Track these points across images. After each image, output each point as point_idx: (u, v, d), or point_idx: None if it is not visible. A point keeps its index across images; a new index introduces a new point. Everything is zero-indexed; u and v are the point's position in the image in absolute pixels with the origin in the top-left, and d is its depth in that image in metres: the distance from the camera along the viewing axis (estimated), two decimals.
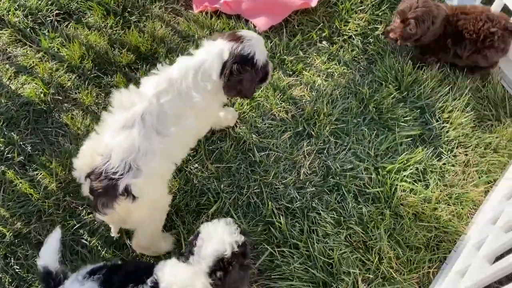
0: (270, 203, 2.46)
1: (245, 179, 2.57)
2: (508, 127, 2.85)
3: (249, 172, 2.60)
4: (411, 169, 2.64)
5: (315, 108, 2.82)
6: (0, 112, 2.68)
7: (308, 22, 3.29)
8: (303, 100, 2.89)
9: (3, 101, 2.74)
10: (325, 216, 2.45)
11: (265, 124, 2.78)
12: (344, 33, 3.26)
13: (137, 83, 2.75)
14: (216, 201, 2.49)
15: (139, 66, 2.95)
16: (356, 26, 3.27)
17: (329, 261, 2.33)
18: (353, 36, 3.24)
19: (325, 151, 2.70)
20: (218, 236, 1.74)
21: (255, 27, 3.22)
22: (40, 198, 2.41)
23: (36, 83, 2.80)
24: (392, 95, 2.90)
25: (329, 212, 2.49)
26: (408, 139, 2.77)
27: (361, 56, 3.16)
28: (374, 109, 2.85)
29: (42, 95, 2.77)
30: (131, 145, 1.89)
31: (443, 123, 2.84)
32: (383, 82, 2.97)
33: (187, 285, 1.71)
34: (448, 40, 2.89)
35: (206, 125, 2.35)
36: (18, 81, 2.84)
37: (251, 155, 2.65)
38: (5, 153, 2.55)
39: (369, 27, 3.30)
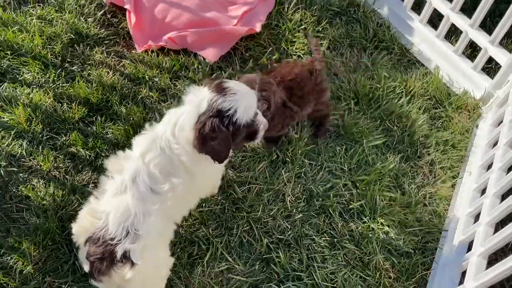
0: (263, 238, 2.43)
1: (231, 218, 2.52)
2: (458, 122, 3.08)
3: (234, 210, 2.55)
4: (386, 178, 2.75)
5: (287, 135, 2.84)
6: None
7: (255, 46, 3.32)
8: None
9: None
10: (319, 241, 2.48)
11: (238, 158, 2.74)
12: (292, 53, 3.32)
13: (96, 138, 2.64)
14: (208, 248, 2.41)
15: (94, 119, 2.78)
16: (302, 45, 3.35)
17: (333, 285, 2.35)
18: (301, 55, 3.31)
19: (303, 174, 2.72)
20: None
21: (204, 59, 3.17)
22: (18, 286, 2.17)
23: None
24: (351, 109, 3.01)
25: (321, 235, 2.51)
26: (375, 148, 2.88)
27: None
28: (339, 125, 2.93)
29: None
30: (126, 209, 1.80)
31: (402, 128, 3.00)
32: (342, 98, 3.07)
33: None
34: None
35: (208, 182, 2.24)
36: None
37: (232, 192, 2.60)
38: None
39: None
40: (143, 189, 1.85)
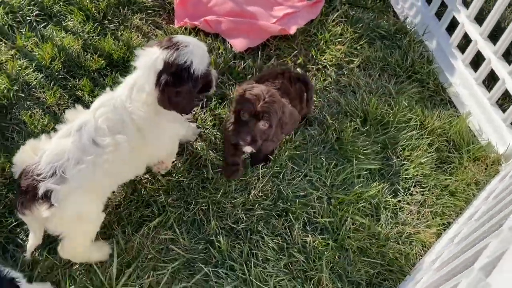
0: (213, 221, 2.41)
1: (194, 195, 2.53)
2: (469, 172, 2.82)
3: (200, 188, 2.56)
4: (364, 202, 2.59)
5: None
6: None
7: (286, 48, 3.32)
8: None
9: None
10: (269, 241, 2.40)
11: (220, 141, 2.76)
12: (319, 62, 3.28)
13: (103, 89, 2.80)
14: (160, 214, 2.45)
15: (108, 73, 2.96)
16: (332, 57, 3.30)
17: (265, 287, 2.26)
18: (328, 66, 3.26)
19: (280, 176, 2.66)
20: None
21: (231, 47, 3.24)
22: None
23: (1, 79, 2.81)
24: (355, 128, 2.88)
25: (274, 237, 2.43)
26: (366, 172, 2.73)
27: (333, 87, 3.16)
28: (335, 139, 2.83)
29: (5, 90, 2.77)
30: (61, 152, 1.88)
31: (403, 160, 2.82)
32: (348, 115, 2.96)
33: None
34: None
35: (162, 145, 2.23)
36: None
37: (205, 171, 2.61)
38: None
39: (345, 59, 3.32)
40: (85, 139, 1.92)
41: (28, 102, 2.77)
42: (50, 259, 2.22)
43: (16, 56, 2.96)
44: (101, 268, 2.24)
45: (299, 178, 2.66)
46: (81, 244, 2.08)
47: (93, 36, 3.13)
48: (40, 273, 2.21)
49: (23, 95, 2.78)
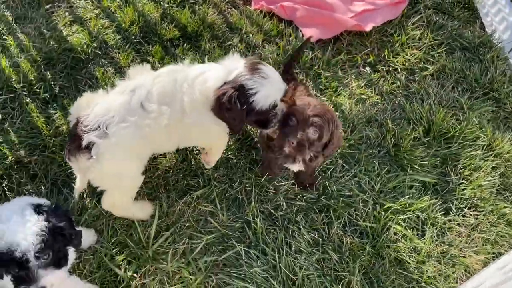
0: (254, 203, 2.43)
1: (240, 174, 2.56)
2: None
3: (247, 169, 2.59)
4: (410, 214, 2.49)
5: None
6: (45, 51, 2.89)
7: (358, 44, 3.23)
8: None
9: (51, 43, 2.95)
10: (304, 233, 2.38)
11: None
12: (391, 64, 3.16)
13: (173, 58, 2.90)
14: (205, 186, 2.50)
15: (180, 44, 3.05)
16: (405, 61, 3.17)
17: (294, 277, 2.25)
18: (399, 70, 3.14)
19: (328, 172, 2.62)
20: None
21: (303, 36, 3.21)
22: (50, 135, 2.56)
23: (83, 35, 2.99)
24: (416, 137, 2.76)
25: (310, 230, 2.41)
26: (420, 184, 2.61)
27: (400, 91, 3.04)
28: (392, 144, 2.73)
29: (85, 46, 2.94)
30: (109, 108, 1.95)
31: (462, 179, 2.66)
32: (411, 122, 2.84)
33: None
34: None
35: (203, 136, 2.20)
36: (70, 29, 3.04)
37: (254, 153, 2.63)
38: (35, 87, 2.73)
39: (419, 65, 3.18)
40: (134, 100, 1.97)
41: (103, 60, 2.93)
42: (97, 208, 2.35)
43: (100, 16, 3.13)
44: (142, 226, 2.35)
45: (347, 178, 2.60)
46: (119, 200, 2.17)
47: (172, 7, 3.23)
48: (86, 219, 2.35)
49: (99, 52, 2.94)
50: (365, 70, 3.12)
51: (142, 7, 3.17)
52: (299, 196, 2.52)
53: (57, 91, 2.76)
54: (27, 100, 2.69)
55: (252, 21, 3.26)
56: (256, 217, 2.40)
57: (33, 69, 2.79)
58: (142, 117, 1.96)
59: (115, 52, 2.96)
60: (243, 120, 1.99)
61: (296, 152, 2.02)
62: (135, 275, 2.22)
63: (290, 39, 3.18)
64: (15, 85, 2.72)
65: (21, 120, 2.61)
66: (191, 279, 2.24)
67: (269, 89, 1.95)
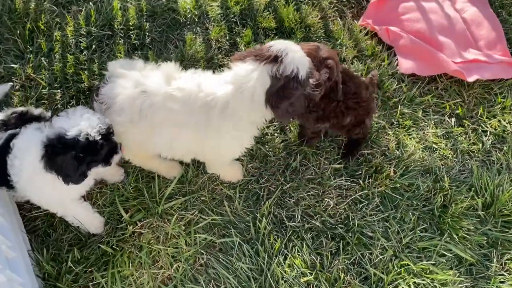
0: (269, 203, 2.40)
1: (271, 173, 2.54)
2: None
3: (279, 170, 2.55)
4: (426, 281, 2.23)
5: (384, 165, 2.58)
6: (152, 5, 3.15)
7: (454, 92, 2.97)
8: (382, 149, 2.66)
9: (163, 1, 3.20)
10: (305, 252, 2.28)
11: (327, 144, 2.66)
12: (482, 123, 2.85)
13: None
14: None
15: (272, 35, 3.10)
16: (500, 126, 2.83)
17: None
18: (488, 133, 2.81)
19: (359, 204, 2.47)
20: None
21: (397, 65, 3.04)
22: None
23: (191, 1, 3.19)
24: (471, 207, 2.46)
25: (313, 252, 2.30)
26: (453, 256, 2.33)
27: (479, 155, 2.73)
28: (441, 204, 2.47)
29: (188, 11, 3.15)
30: (146, 90, 1.98)
31: (504, 271, 2.31)
32: (473, 190, 2.53)
33: None
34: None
35: (219, 147, 2.11)
36: None
37: (291, 158, 2.59)
38: (130, 32, 3.00)
39: None
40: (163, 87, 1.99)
41: (197, 28, 3.11)
42: None
43: None
44: (162, 183, 2.46)
45: (377, 219, 2.43)
46: (137, 155, 2.31)
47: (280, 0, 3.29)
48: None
49: (197, 20, 3.12)
50: (449, 121, 2.86)
51: None
52: (317, 216, 2.41)
53: (147, 42, 3.00)
54: (120, 41, 2.97)
55: (352, 35, 3.17)
56: (266, 218, 2.36)
57: (135, 16, 3.07)
58: (162, 102, 1.98)
59: (211, 24, 3.12)
60: (305, 94, 1.92)
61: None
62: (138, 222, 2.35)
63: (382, 64, 3.04)
64: (116, 26, 3.02)
65: (108, 57, 2.90)
66: (184, 248, 2.30)
67: (299, 57, 1.89)
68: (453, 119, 2.87)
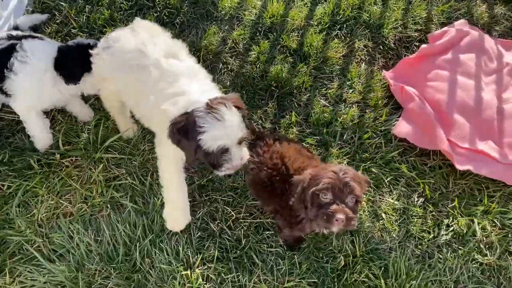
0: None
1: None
2: None
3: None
4: None
5: None
6: None
7: (439, 174, 2.71)
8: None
9: None
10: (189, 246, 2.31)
11: None
12: (450, 216, 2.56)
13: (270, 62, 3.03)
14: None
15: (287, 54, 3.15)
16: (468, 227, 2.53)
17: None
18: (451, 229, 2.51)
19: (261, 230, 2.40)
20: None
21: (393, 125, 2.86)
22: None
23: None
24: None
25: (194, 251, 2.32)
26: None
27: (424, 244, 2.46)
28: (341, 267, 2.28)
29: (226, 8, 3.37)
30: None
31: None
32: (381, 272, 2.29)
33: None
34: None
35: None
36: None
37: None
38: (166, 10, 3.32)
39: (476, 245, 2.48)
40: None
41: (225, 26, 3.29)
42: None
43: None
44: (110, 133, 2.71)
45: (272, 250, 2.34)
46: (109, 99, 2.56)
47: (314, 26, 3.31)
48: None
49: (227, 19, 3.33)
50: (415, 199, 2.60)
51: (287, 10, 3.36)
52: (217, 222, 2.42)
53: (178, 22, 3.27)
54: (154, 14, 3.30)
55: (368, 82, 3.07)
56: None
57: None
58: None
59: (238, 26, 3.29)
60: (193, 155, 1.96)
61: (347, 226, 1.78)
62: (72, 158, 2.62)
63: (380, 119, 2.89)
64: (157, 1, 3.37)
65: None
66: (97, 196, 2.49)
67: (219, 132, 1.87)
68: (421, 199, 2.61)
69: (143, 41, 2.18)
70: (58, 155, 2.58)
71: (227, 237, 2.38)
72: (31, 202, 2.47)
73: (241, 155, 1.98)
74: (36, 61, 2.41)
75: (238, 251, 2.34)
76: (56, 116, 2.79)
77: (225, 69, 3.08)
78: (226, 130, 1.88)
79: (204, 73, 2.18)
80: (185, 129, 1.89)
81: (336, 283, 2.24)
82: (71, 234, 2.37)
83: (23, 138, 2.67)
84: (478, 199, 2.61)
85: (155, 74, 2.06)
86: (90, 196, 2.51)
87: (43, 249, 2.33)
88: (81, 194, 2.51)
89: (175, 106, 1.96)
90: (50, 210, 2.45)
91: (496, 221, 2.52)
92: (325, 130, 2.80)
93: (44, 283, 2.23)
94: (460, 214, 2.55)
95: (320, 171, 1.87)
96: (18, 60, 2.40)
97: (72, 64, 2.42)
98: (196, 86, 2.01)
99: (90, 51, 2.35)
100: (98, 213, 2.47)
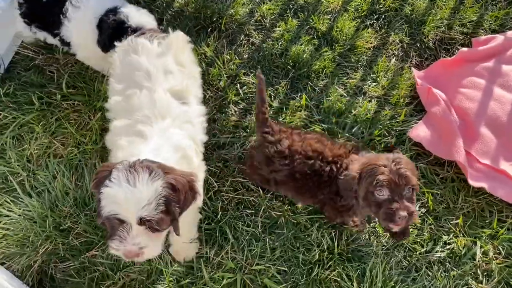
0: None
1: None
2: None
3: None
4: None
5: None
6: None
7: (450, 188, 2.48)
8: None
9: None
10: None
11: None
12: (450, 234, 2.35)
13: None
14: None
15: (313, 36, 2.99)
16: (469, 248, 2.30)
17: None
18: (449, 247, 2.30)
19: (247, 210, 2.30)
20: None
21: (408, 131, 2.64)
22: None
23: None
24: None
25: None
26: None
27: (414, 257, 2.27)
28: (315, 260, 2.14)
29: None
30: None
31: None
32: (357, 274, 2.11)
33: None
34: None
35: None
36: None
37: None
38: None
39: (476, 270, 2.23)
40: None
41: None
42: None
43: None
44: None
45: (247, 229, 2.23)
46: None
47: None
48: None
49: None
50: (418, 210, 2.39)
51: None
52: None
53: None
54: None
55: (394, 78, 2.85)
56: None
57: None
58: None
59: (269, 0, 3.16)
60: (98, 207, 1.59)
61: (409, 221, 1.70)
62: (74, 102, 2.63)
63: (398, 119, 2.68)
64: None
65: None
66: (90, 145, 2.49)
67: (117, 194, 1.50)
68: (422, 209, 2.39)
69: (158, 66, 1.97)
70: (59, 96, 2.59)
71: (204, 207, 2.29)
72: (25, 137, 2.50)
73: (138, 244, 1.53)
74: (88, 7, 2.31)
75: (212, 224, 2.25)
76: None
77: (246, 41, 2.96)
78: (126, 196, 1.49)
79: (196, 122, 1.99)
80: (98, 179, 1.59)
81: (305, 275, 2.10)
82: (56, 174, 2.38)
83: (32, 75, 2.70)
84: (487, 221, 2.35)
85: (144, 100, 1.87)
86: (83, 142, 2.50)
87: (26, 183, 2.36)
88: (75, 138, 2.51)
89: (123, 151, 1.74)
90: (42, 148, 2.47)
91: (501, 248, 2.26)
92: (334, 119, 2.63)
93: (19, 215, 2.25)
94: (463, 234, 2.31)
95: (369, 165, 1.73)
96: (72, 4, 2.31)
97: (105, 35, 2.29)
98: (160, 141, 1.76)
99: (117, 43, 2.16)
100: (87, 160, 2.46)
